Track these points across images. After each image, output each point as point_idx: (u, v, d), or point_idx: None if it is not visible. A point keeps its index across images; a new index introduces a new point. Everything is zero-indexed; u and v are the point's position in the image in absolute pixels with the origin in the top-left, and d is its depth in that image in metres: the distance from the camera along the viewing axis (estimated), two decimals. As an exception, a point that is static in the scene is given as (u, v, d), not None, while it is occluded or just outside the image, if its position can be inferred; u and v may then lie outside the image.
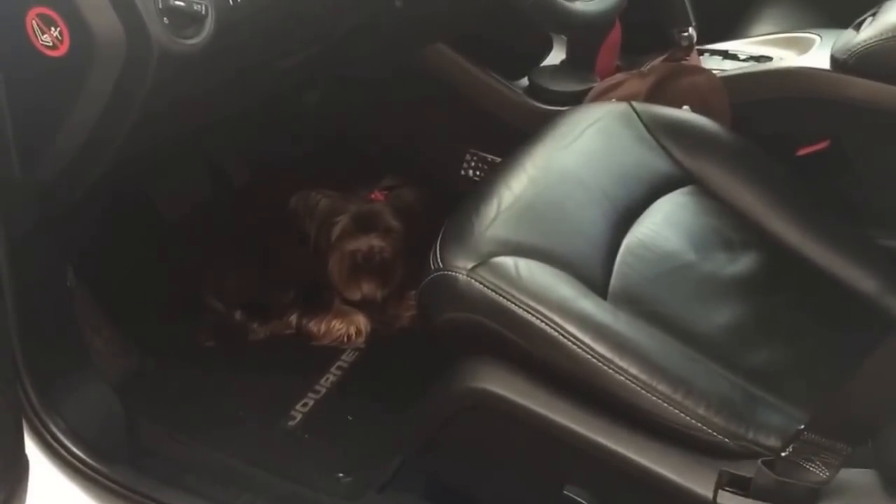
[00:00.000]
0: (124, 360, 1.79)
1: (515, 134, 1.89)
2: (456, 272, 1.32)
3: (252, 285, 1.95)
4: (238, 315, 1.93)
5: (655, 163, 1.63)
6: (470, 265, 1.32)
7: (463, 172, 2.16)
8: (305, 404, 1.80)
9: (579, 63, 2.13)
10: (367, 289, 1.94)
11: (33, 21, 1.22)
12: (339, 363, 1.91)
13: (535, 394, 1.28)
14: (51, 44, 1.23)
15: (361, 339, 1.93)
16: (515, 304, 1.28)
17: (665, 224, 1.53)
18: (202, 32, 1.26)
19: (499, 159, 2.08)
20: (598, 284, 1.38)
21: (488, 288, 1.30)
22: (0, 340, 1.31)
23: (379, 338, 1.95)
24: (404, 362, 1.85)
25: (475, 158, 2.15)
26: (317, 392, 1.83)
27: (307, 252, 1.93)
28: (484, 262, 1.32)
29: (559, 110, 1.90)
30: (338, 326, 1.93)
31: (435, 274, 1.34)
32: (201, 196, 2.09)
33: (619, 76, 1.99)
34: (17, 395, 1.36)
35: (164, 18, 1.21)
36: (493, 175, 1.54)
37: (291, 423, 1.78)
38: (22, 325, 1.39)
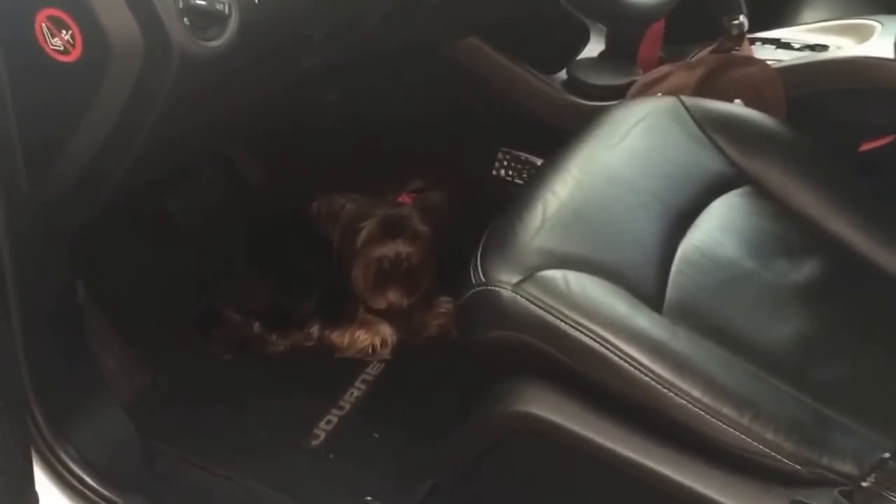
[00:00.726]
0: (137, 378, 1.73)
1: (552, 131, 1.88)
2: (499, 287, 1.24)
3: (271, 295, 1.90)
4: (256, 326, 1.88)
5: (708, 162, 1.55)
6: (515, 279, 1.24)
7: (495, 172, 2.09)
8: (329, 422, 1.74)
9: (620, 54, 2.05)
10: (394, 297, 1.87)
11: (43, 23, 1.14)
12: (363, 377, 1.85)
13: (586, 418, 1.21)
14: (62, 48, 1.15)
15: (387, 351, 1.88)
16: (565, 323, 1.20)
17: (721, 229, 1.45)
18: (225, 33, 1.17)
19: (534, 158, 2.03)
20: (652, 297, 1.30)
21: (535, 305, 1.22)
22: (7, 368, 1.24)
23: (405, 349, 1.89)
24: (433, 374, 1.80)
25: (508, 157, 2.07)
26: (341, 408, 1.77)
27: (330, 259, 1.87)
28: (530, 275, 1.25)
29: (600, 106, 1.86)
30: (362, 337, 1.87)
31: (476, 289, 1.27)
32: (217, 202, 2.04)
33: (664, 68, 1.91)
34: (26, 425, 1.29)
35: (185, 19, 1.13)
36: (536, 179, 1.46)
37: (315, 442, 1.71)
38: (30, 347, 1.33)
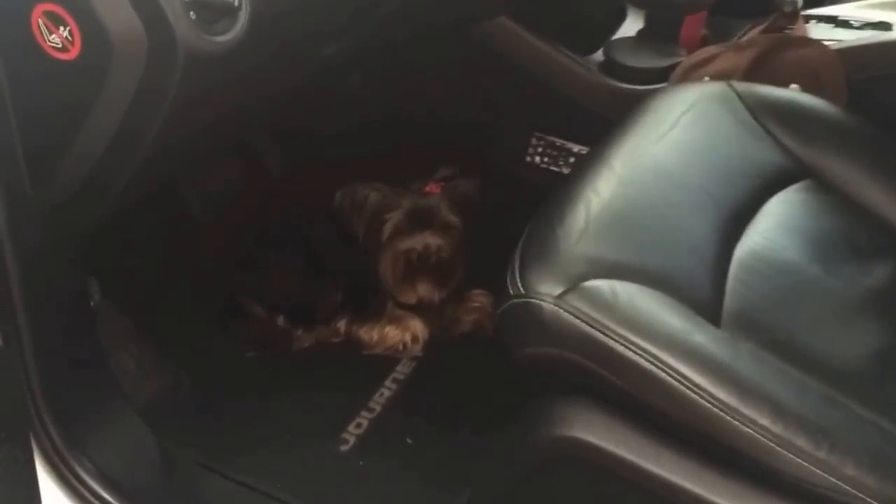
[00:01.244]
0: (156, 379, 1.63)
1: (588, 116, 1.80)
2: (540, 300, 1.13)
3: (295, 288, 1.82)
4: (281, 321, 1.80)
5: (764, 154, 1.42)
6: (557, 291, 1.13)
7: (529, 159, 1.97)
8: (359, 425, 1.65)
9: (661, 34, 1.93)
10: (424, 291, 1.77)
11: (39, 19, 1.04)
12: (394, 375, 1.75)
13: (639, 445, 1.10)
14: (60, 45, 1.05)
15: (418, 347, 1.79)
16: (614, 340, 1.09)
17: (781, 229, 1.33)
18: (235, 27, 1.07)
19: (569, 144, 1.92)
20: (709, 309, 1.17)
21: (580, 320, 1.11)
22: (12, 391, 1.13)
23: (438, 345, 1.80)
24: (468, 372, 1.71)
25: (542, 143, 1.95)
26: (371, 410, 1.68)
27: (356, 251, 1.78)
28: (573, 286, 1.13)
29: (640, 90, 1.76)
30: (392, 333, 1.78)
31: (515, 300, 1.16)
32: (237, 193, 1.94)
33: (710, 49, 1.78)
34: (31, 456, 1.19)
35: (191, 13, 1.03)
36: (576, 175, 1.34)
37: (344, 447, 1.62)
38: (41, 357, 1.24)
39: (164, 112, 1.09)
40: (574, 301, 1.12)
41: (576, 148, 1.91)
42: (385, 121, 1.99)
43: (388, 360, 1.77)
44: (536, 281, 1.15)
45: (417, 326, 1.79)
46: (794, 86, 1.62)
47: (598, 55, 1.91)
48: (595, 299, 1.12)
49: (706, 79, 1.69)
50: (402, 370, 1.76)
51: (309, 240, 1.84)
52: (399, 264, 1.74)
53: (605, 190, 1.28)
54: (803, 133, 1.44)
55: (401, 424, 1.64)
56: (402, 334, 1.78)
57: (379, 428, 1.64)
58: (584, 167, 1.35)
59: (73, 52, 1.05)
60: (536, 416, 1.18)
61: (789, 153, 1.43)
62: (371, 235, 1.76)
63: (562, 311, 1.11)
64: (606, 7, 2.00)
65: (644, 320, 1.10)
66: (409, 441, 1.61)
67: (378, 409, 1.68)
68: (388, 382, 1.73)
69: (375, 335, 1.78)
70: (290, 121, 1.89)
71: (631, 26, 2.00)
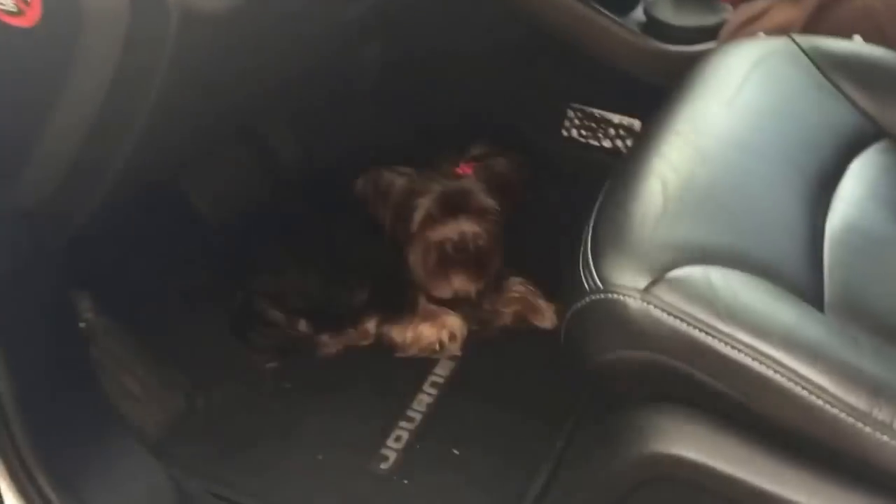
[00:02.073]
0: (167, 402, 1.52)
1: (630, 82, 1.69)
2: (625, 295, 0.97)
3: (317, 288, 1.69)
4: (303, 326, 1.67)
5: (839, 115, 1.28)
6: (642, 283, 0.97)
7: (565, 132, 1.82)
8: (398, 438, 1.52)
9: None
10: (460, 283, 1.65)
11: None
12: (432, 378, 1.62)
13: (752, 462, 0.94)
14: (14, 9, 0.87)
15: (457, 346, 1.66)
16: (718, 339, 0.93)
17: (868, 196, 1.19)
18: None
19: (609, 114, 1.79)
20: (811, 294, 1.02)
21: (674, 316, 0.95)
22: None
23: (477, 342, 1.67)
24: (514, 370, 1.62)
25: (580, 115, 1.80)
26: (410, 420, 1.55)
27: (382, 244, 1.66)
28: (660, 277, 0.97)
29: (687, 51, 1.63)
30: (427, 332, 1.66)
31: (592, 297, 0.99)
32: (246, 185, 1.81)
33: (760, 3, 1.63)
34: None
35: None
36: (641, 147, 1.18)
37: (384, 465, 1.49)
38: (17, 389, 1.09)
39: (154, 89, 0.90)
40: (664, 294, 0.96)
41: (616, 118, 1.77)
42: (407, 96, 1.86)
43: (424, 363, 1.64)
44: (616, 273, 0.99)
45: (454, 323, 1.66)
46: (856, 37, 1.47)
47: (638, 14, 1.76)
48: (689, 291, 0.96)
49: (761, 34, 1.53)
50: (441, 372, 1.63)
51: (329, 234, 1.72)
52: (431, 255, 1.62)
53: (681, 163, 1.13)
54: (877, 90, 1.32)
55: (445, 434, 1.52)
56: (437, 332, 1.65)
57: (421, 440, 1.51)
58: (651, 138, 1.20)
59: (31, 17, 0.87)
60: (622, 432, 1.02)
61: (864, 112, 1.30)
62: (399, 225, 1.64)
63: (651, 306, 0.95)
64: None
65: (751, 313, 0.94)
66: (456, 452, 1.49)
67: (418, 418, 1.55)
68: (426, 387, 1.60)
69: (409, 335, 1.66)
70: (302, 101, 1.74)
71: None
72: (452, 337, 1.65)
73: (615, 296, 0.97)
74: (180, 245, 1.66)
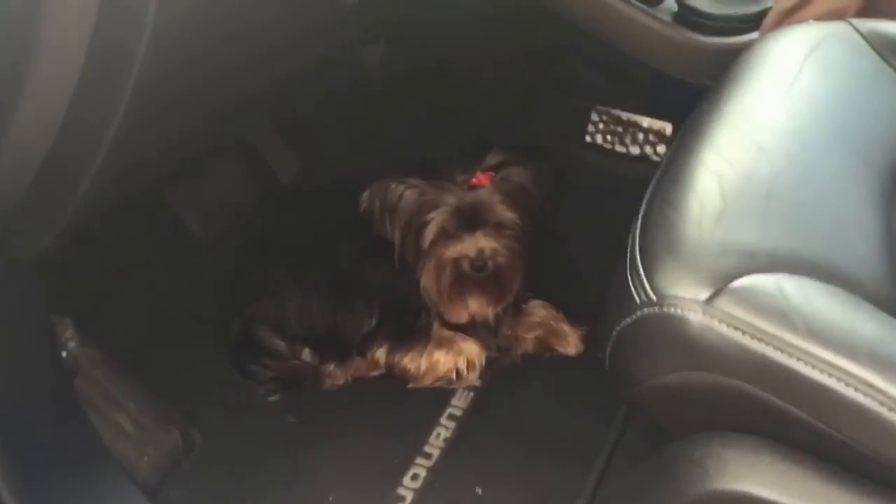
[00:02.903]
0: (162, 440, 1.42)
1: (661, 80, 1.61)
2: (683, 308, 0.86)
3: (321, 314, 1.61)
4: (307, 355, 1.59)
5: (904, 102, 1.18)
6: (703, 295, 0.86)
7: (589, 138, 1.74)
8: (415, 476, 1.43)
9: None
10: (477, 306, 1.56)
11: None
12: (449, 411, 1.54)
13: (839, 499, 0.83)
14: None
15: (475, 375, 1.58)
16: (796, 357, 0.82)
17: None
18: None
19: (637, 117, 1.69)
20: (889, 303, 0.91)
21: (743, 331, 0.84)
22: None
23: (497, 371, 1.59)
24: (537, 400, 1.54)
25: (605, 118, 1.72)
26: (427, 456, 1.46)
27: (390, 263, 1.56)
28: (724, 287, 0.87)
29: (730, 43, 1.52)
30: (442, 360, 1.57)
31: (644, 311, 0.89)
32: (241, 203, 1.75)
33: None
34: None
35: None
36: (689, 140, 1.08)
37: (401, 506, 1.38)
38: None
39: (133, 78, 0.79)
40: (729, 307, 0.86)
41: (646, 122, 1.69)
42: (415, 102, 1.77)
43: (441, 394, 1.56)
44: (672, 283, 0.89)
45: (472, 349, 1.58)
46: (918, 18, 1.38)
47: (669, 4, 1.63)
48: (758, 302, 0.86)
49: (810, 21, 1.42)
50: (459, 404, 1.55)
51: (333, 253, 1.63)
52: (446, 275, 1.52)
53: (739, 158, 1.03)
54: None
55: (466, 471, 1.44)
56: (454, 360, 1.57)
57: (440, 478, 1.43)
58: (698, 133, 1.10)
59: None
60: (678, 467, 0.91)
61: (928, 99, 1.20)
62: (409, 242, 1.53)
63: (715, 321, 0.85)
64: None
65: (832, 327, 0.84)
66: (479, 491, 1.40)
67: (436, 454, 1.46)
68: (443, 420, 1.52)
69: (423, 364, 1.57)
70: (299, 107, 1.66)
71: None
72: (470, 365, 1.57)
73: (672, 309, 0.87)
74: (171, 267, 1.61)
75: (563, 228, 1.66)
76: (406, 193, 1.53)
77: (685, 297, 0.87)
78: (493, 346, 1.60)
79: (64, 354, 1.20)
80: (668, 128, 1.64)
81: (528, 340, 1.61)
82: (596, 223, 1.67)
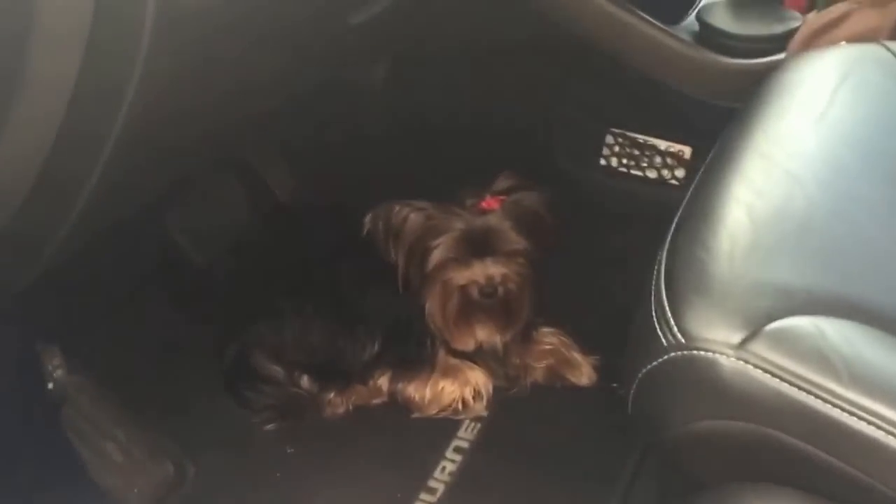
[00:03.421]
0: (153, 471, 1.40)
1: (680, 102, 1.55)
2: (714, 352, 0.82)
3: (321, 339, 1.57)
4: (305, 382, 1.55)
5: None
6: (736, 338, 0.82)
7: (604, 161, 1.69)
8: None
9: None
10: (485, 334, 1.52)
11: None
12: (455, 443, 1.49)
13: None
14: None
15: (482, 406, 1.54)
16: (839, 407, 0.77)
17: None
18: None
19: (655, 140, 1.65)
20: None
21: (780, 378, 0.80)
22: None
23: (505, 401, 1.54)
24: (547, 432, 1.48)
25: (621, 140, 1.67)
26: (432, 491, 1.42)
27: (394, 289, 1.51)
28: (759, 329, 0.82)
29: (755, 64, 1.49)
30: (448, 389, 1.53)
31: (672, 355, 0.84)
32: (238, 223, 1.71)
33: (839, 7, 1.48)
34: None
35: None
36: (717, 168, 1.04)
37: (404, 547, 1.35)
38: None
39: (127, 101, 0.79)
40: (765, 351, 0.81)
41: (664, 145, 1.64)
42: (422, 121, 1.74)
43: (446, 425, 1.52)
44: (703, 324, 0.84)
45: (478, 378, 1.54)
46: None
47: (690, 23, 1.61)
48: (797, 347, 0.81)
49: (842, 44, 1.40)
50: (465, 436, 1.51)
51: (335, 277, 1.59)
52: (453, 302, 1.48)
53: (769, 188, 0.99)
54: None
55: None
56: (460, 390, 1.53)
57: None
58: (725, 162, 1.06)
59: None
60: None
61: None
62: (414, 267, 1.49)
63: (749, 366, 0.81)
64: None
65: (878, 375, 0.80)
66: None
67: (441, 489, 1.42)
68: (448, 453, 1.47)
69: (427, 393, 1.53)
70: (300, 127, 1.63)
71: None
72: (477, 395, 1.53)
73: (702, 353, 0.83)
74: (164, 290, 1.58)
75: (575, 253, 1.63)
76: (411, 217, 1.49)
77: (716, 339, 0.83)
78: (501, 375, 1.56)
79: (50, 386, 1.15)
80: (687, 151, 1.60)
81: (538, 369, 1.57)
82: (610, 248, 1.65)
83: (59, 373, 1.23)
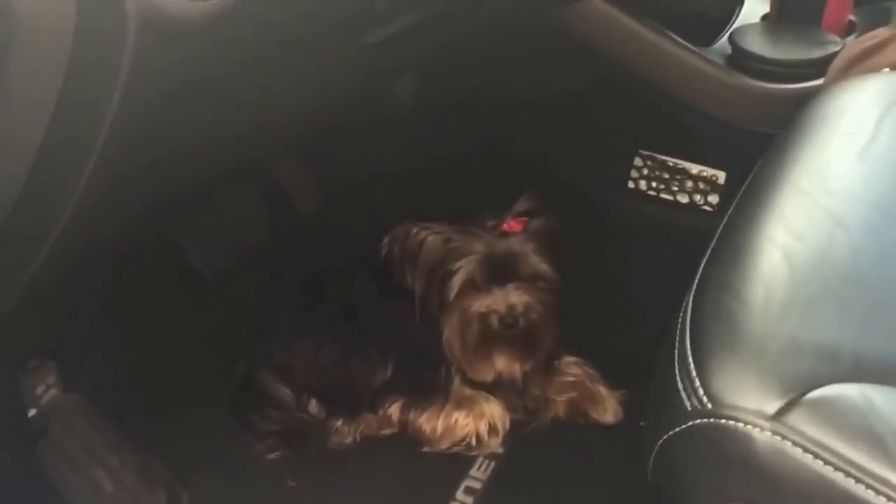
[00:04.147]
0: (145, 500, 1.30)
1: (712, 126, 1.46)
2: (747, 423, 0.69)
3: (332, 362, 1.47)
4: (313, 408, 1.46)
5: None
6: (772, 406, 0.69)
7: (632, 184, 1.57)
8: None
9: (798, 17, 1.53)
10: (504, 364, 1.41)
11: None
12: (466, 483, 1.38)
13: None
14: None
15: (497, 441, 1.43)
16: (887, 497, 0.64)
17: None
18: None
19: (685, 163, 1.53)
20: None
21: (821, 458, 0.67)
22: None
23: (522, 437, 1.43)
24: (567, 472, 1.38)
25: (650, 163, 1.56)
26: None
27: (410, 312, 1.41)
28: (798, 398, 0.69)
29: (791, 89, 1.41)
30: (461, 423, 1.42)
31: (696, 422, 0.72)
32: (252, 234, 1.60)
33: (882, 32, 1.38)
34: None
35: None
36: (749, 207, 0.92)
37: (410, 593, 1.24)
38: None
39: (108, 120, 0.72)
40: (804, 424, 0.68)
41: (695, 169, 1.53)
42: (444, 139, 1.63)
43: (457, 461, 1.41)
44: (732, 389, 0.72)
45: (495, 411, 1.43)
46: None
47: (722, 45, 1.53)
48: (841, 421, 0.68)
49: (885, 71, 1.30)
50: (478, 475, 1.39)
51: (349, 297, 1.51)
52: (472, 330, 1.37)
53: (809, 230, 0.87)
54: None
55: None
56: (474, 423, 1.42)
57: None
58: (761, 195, 0.94)
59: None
60: None
61: None
62: (432, 292, 1.39)
63: (787, 442, 0.68)
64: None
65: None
66: None
67: None
68: (459, 494, 1.36)
69: (439, 426, 1.42)
70: (321, 143, 1.54)
71: (752, 9, 1.62)
72: (492, 429, 1.42)
73: (732, 423, 0.70)
74: (168, 305, 1.48)
75: (602, 279, 1.53)
76: (429, 239, 1.39)
77: (748, 407, 0.70)
78: (520, 408, 1.46)
79: (32, 413, 1.05)
80: (720, 176, 1.50)
81: (559, 403, 1.46)
82: (638, 274, 1.52)
83: (52, 391, 1.13)
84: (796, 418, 0.69)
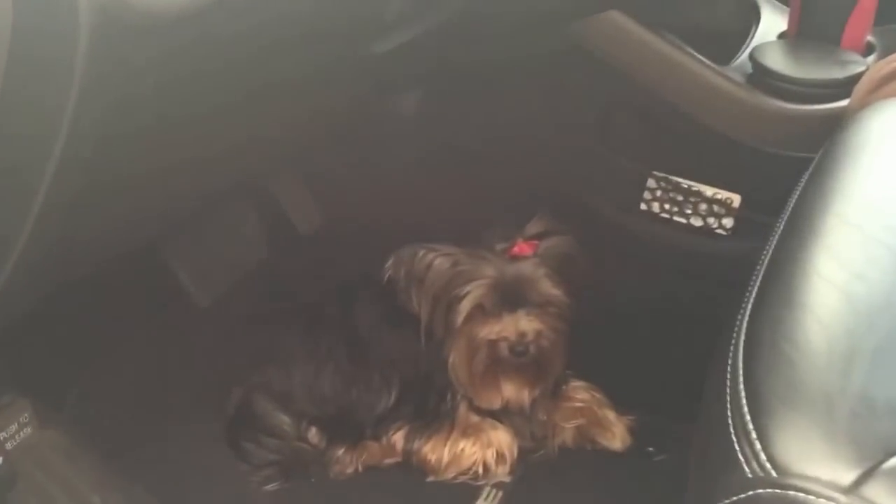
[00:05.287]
0: None
1: (730, 147, 1.37)
2: (819, 495, 0.59)
3: (332, 387, 1.39)
4: (313, 436, 1.38)
5: None
6: (847, 478, 0.59)
7: (644, 206, 1.47)
8: None
9: (818, 35, 1.42)
10: (511, 391, 1.33)
11: None
12: None
13: None
14: None
15: (504, 470, 1.34)
16: None
17: None
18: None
19: (701, 186, 1.43)
20: None
21: None
22: None
23: (530, 465, 1.35)
24: (578, 500, 1.31)
25: (664, 185, 1.45)
26: None
27: (415, 337, 1.34)
28: (875, 467, 0.60)
29: (817, 110, 1.32)
30: (468, 451, 1.34)
31: (759, 491, 0.61)
32: (248, 254, 1.53)
33: None
34: None
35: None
36: (794, 236, 0.83)
37: None
38: None
39: (65, 128, 0.62)
40: (886, 499, 0.58)
41: (710, 191, 1.43)
42: (451, 158, 1.55)
43: (464, 491, 1.33)
44: (800, 455, 0.61)
45: (502, 439, 1.35)
46: None
47: (742, 63, 1.42)
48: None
49: None
50: None
51: (350, 320, 1.43)
52: (480, 357, 1.30)
53: (867, 269, 0.77)
54: None
55: None
56: (481, 451, 1.34)
57: None
58: (804, 224, 0.84)
59: None
60: None
61: None
62: (438, 317, 1.31)
63: (869, 518, 0.58)
64: (736, 3, 1.54)
65: None
66: None
67: None
68: None
69: (445, 454, 1.34)
70: (323, 160, 1.49)
71: (768, 26, 1.51)
72: (500, 458, 1.34)
73: (802, 496, 0.59)
74: (158, 328, 1.41)
75: (612, 302, 1.44)
76: (436, 262, 1.32)
77: (820, 477, 0.60)
78: (527, 435, 1.38)
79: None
80: (735, 199, 1.41)
81: (568, 430, 1.38)
82: (650, 298, 1.46)
83: (26, 430, 1.01)
84: (876, 490, 0.59)
